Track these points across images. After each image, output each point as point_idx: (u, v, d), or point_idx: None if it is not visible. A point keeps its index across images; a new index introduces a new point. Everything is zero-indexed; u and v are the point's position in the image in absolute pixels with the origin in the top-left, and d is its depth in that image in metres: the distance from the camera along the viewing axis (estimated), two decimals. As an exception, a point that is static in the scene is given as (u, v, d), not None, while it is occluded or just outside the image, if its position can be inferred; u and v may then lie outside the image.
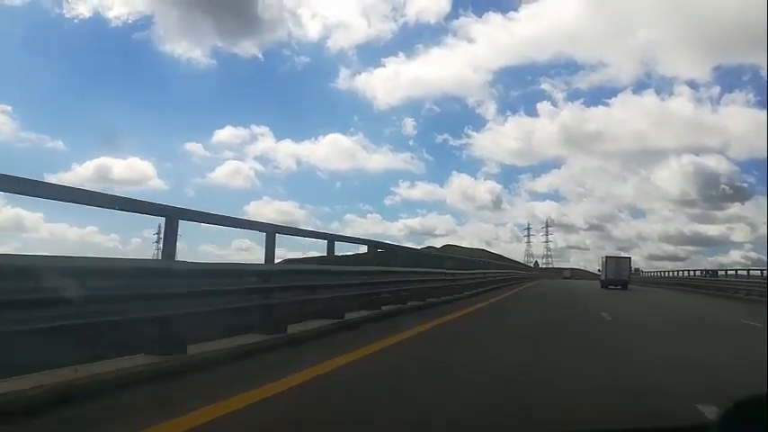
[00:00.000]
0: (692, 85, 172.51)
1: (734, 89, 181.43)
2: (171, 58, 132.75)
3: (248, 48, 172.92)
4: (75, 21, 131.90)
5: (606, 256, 42.56)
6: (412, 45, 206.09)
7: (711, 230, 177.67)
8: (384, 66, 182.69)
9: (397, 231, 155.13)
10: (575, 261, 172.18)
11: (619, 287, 37.31)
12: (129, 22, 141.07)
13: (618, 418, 3.83)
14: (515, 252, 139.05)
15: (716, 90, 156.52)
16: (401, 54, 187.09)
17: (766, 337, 8.59)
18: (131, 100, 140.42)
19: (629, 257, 44.10)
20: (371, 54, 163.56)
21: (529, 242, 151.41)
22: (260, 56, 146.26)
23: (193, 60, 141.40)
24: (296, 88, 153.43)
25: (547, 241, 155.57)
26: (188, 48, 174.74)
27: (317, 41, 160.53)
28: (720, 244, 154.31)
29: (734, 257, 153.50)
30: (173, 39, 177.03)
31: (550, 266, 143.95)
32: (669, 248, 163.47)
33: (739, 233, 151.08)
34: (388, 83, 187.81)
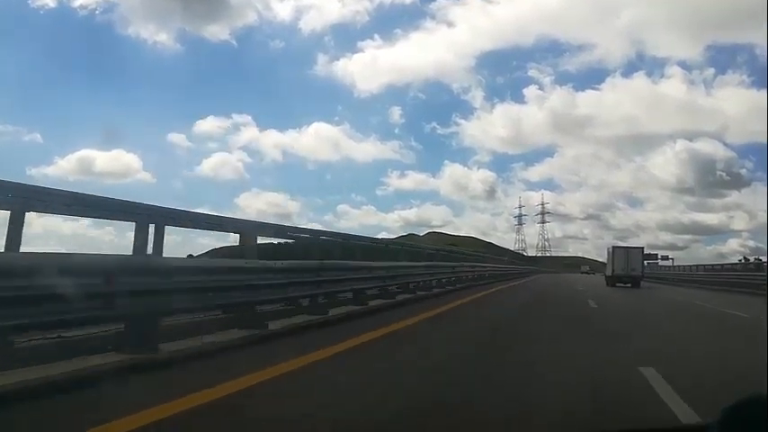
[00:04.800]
0: (684, 65, 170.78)
1: (727, 70, 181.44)
2: (138, 42, 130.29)
3: (217, 32, 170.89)
4: (41, 12, 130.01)
5: (613, 247, 34.92)
6: (390, 29, 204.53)
7: (709, 219, 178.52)
8: (362, 51, 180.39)
9: (392, 222, 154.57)
10: (573, 251, 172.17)
11: (629, 285, 30.76)
12: (97, 12, 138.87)
13: (618, 419, 3.82)
14: (511, 241, 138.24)
15: (709, 71, 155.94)
16: (378, 37, 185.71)
17: (767, 336, 8.20)
18: (104, 89, 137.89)
19: (642, 248, 36.22)
20: (347, 37, 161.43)
21: (521, 223, 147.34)
22: (232, 41, 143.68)
23: (159, 44, 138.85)
24: (274, 75, 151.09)
25: (543, 221, 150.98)
26: (154, 32, 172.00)
27: (289, 23, 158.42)
28: (718, 233, 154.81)
29: (732, 246, 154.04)
30: (139, 23, 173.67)
31: (547, 255, 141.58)
32: (667, 237, 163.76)
33: (737, 221, 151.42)
34: (367, 69, 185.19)
